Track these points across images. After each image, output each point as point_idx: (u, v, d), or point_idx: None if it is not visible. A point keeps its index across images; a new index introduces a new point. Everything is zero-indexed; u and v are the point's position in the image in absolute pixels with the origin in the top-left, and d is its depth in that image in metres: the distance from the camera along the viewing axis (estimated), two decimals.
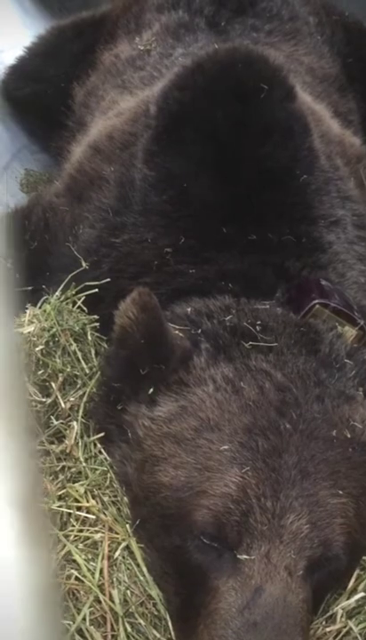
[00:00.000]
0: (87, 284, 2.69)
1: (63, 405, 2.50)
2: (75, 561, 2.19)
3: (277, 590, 1.99)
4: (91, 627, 2.10)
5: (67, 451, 2.43)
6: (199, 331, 2.35)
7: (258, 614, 1.97)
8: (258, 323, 2.36)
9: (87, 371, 2.63)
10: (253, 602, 1.98)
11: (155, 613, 2.20)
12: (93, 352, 2.69)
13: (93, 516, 2.29)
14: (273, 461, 2.09)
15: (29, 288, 2.77)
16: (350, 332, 2.49)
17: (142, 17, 3.95)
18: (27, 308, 2.68)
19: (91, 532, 2.27)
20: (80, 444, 2.45)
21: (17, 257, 2.88)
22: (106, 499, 2.37)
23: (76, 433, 2.46)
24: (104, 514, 2.31)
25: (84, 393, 2.56)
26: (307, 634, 2.06)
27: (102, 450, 2.46)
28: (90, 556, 2.22)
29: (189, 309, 2.44)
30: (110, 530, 2.28)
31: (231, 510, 2.05)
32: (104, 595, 2.15)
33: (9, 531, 0.91)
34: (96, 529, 2.28)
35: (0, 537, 0.91)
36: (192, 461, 2.14)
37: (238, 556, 2.03)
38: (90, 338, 2.69)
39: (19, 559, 0.91)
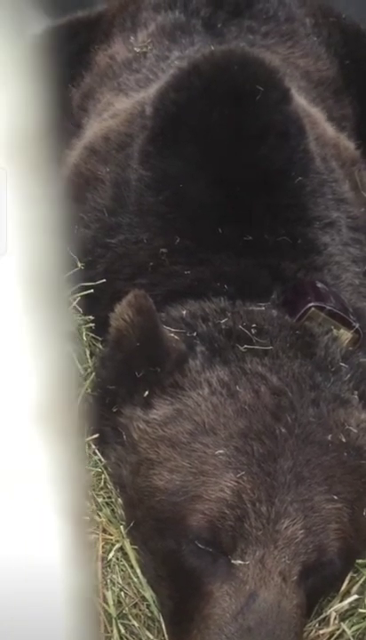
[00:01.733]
0: (82, 284, 2.69)
1: None
2: None
3: (271, 596, 1.99)
4: None
5: None
6: (194, 334, 2.35)
7: (251, 620, 1.97)
8: (254, 326, 2.36)
9: (82, 372, 2.62)
10: (247, 607, 1.98)
11: (149, 615, 2.20)
12: (88, 353, 2.69)
13: (87, 517, 2.29)
14: (268, 466, 2.09)
15: None
16: (345, 335, 2.49)
17: (138, 15, 3.93)
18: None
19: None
20: None
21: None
22: (100, 500, 2.36)
23: None
24: (98, 515, 2.31)
25: (79, 394, 2.56)
26: (301, 639, 2.07)
27: (96, 451, 2.46)
28: None
29: (184, 312, 2.43)
30: (104, 531, 2.28)
31: (226, 515, 2.05)
32: (97, 596, 2.15)
33: (63, 541, 0.93)
34: (90, 530, 2.28)
35: (48, 544, 0.94)
36: (187, 465, 2.14)
37: (232, 562, 2.03)
38: (84, 338, 2.69)
39: (65, 566, 0.93)
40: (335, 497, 2.12)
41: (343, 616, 2.22)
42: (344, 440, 2.19)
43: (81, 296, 2.69)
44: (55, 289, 0.90)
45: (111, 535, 2.28)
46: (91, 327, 2.70)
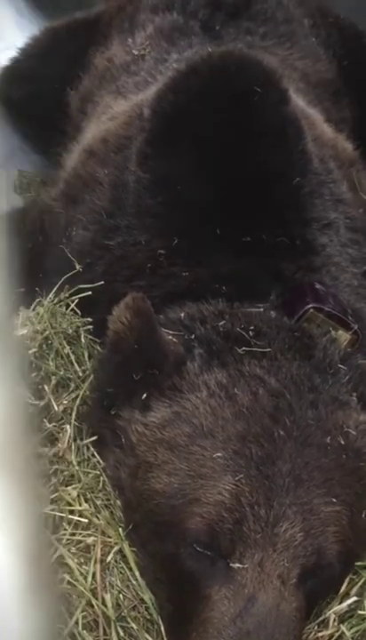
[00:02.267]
0: (81, 286, 2.69)
1: (56, 408, 2.49)
2: (67, 565, 2.19)
3: (270, 599, 1.99)
4: (84, 631, 2.09)
5: (60, 454, 2.43)
6: (192, 336, 2.35)
7: (250, 623, 1.97)
8: (252, 328, 2.36)
9: (80, 373, 2.63)
10: (246, 611, 1.98)
11: (148, 617, 2.20)
12: (86, 355, 2.69)
13: (86, 520, 2.29)
14: (266, 469, 2.09)
15: (22, 290, 2.76)
16: (344, 337, 2.49)
17: (136, 17, 3.93)
18: (20, 311, 2.67)
19: (84, 536, 2.26)
20: (73, 447, 2.45)
21: (11, 259, 2.87)
22: (98, 502, 2.37)
23: (69, 436, 2.45)
24: (97, 517, 2.31)
25: (77, 396, 2.56)
26: None
27: (95, 453, 2.46)
28: (82, 560, 2.21)
29: (182, 314, 2.43)
30: (103, 533, 2.28)
31: (224, 518, 2.05)
32: (96, 599, 2.15)
33: (14, 581, 0.92)
34: (88, 532, 2.27)
35: (5, 587, 0.92)
36: (185, 468, 2.13)
37: (231, 565, 2.03)
38: (83, 340, 2.69)
39: (23, 611, 0.92)
40: (334, 499, 2.12)
41: (342, 618, 2.22)
42: (342, 442, 2.19)
43: (79, 298, 2.69)
44: (1, 328, 0.89)
45: (110, 538, 2.28)
46: (89, 329, 2.70)
